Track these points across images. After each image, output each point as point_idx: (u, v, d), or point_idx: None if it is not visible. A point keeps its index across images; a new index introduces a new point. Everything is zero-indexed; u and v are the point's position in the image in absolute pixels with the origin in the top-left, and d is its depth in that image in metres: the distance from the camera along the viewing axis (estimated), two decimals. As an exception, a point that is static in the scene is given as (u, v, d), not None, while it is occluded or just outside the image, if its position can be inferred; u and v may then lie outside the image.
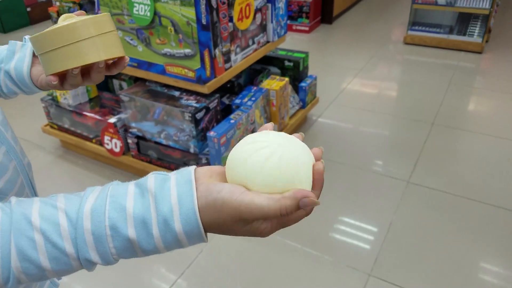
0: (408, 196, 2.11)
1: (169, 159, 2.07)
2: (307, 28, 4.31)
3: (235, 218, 0.41)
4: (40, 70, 0.66)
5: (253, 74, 2.39)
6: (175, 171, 0.45)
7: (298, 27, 4.35)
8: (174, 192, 0.42)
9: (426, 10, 3.93)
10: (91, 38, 0.57)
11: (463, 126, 2.69)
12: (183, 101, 1.88)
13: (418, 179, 2.21)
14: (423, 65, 3.63)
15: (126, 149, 2.17)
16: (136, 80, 2.19)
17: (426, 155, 2.41)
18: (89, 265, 0.44)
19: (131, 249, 0.43)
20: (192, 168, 0.44)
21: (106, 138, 2.18)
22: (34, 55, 0.68)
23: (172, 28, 1.70)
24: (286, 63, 2.43)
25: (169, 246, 0.43)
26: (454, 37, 3.80)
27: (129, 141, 2.11)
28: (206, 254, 1.81)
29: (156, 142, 2.03)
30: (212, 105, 1.87)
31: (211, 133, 1.76)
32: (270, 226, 0.43)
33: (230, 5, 1.80)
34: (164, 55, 1.81)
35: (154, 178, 0.44)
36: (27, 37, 0.68)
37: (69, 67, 0.58)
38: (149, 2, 1.70)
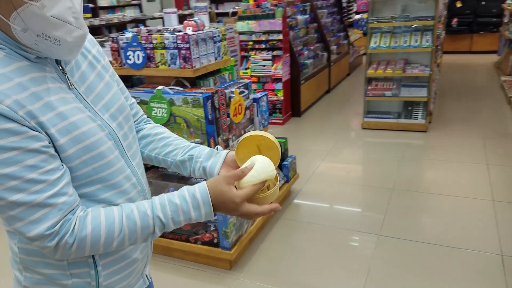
0: (380, 245, 2.54)
1: (179, 232, 2.45)
2: (281, 121, 5.04)
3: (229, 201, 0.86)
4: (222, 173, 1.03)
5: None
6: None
7: (274, 121, 5.07)
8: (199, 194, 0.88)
9: (376, 101, 4.76)
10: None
11: (417, 189, 3.25)
12: (193, 180, 2.34)
13: (387, 232, 2.67)
14: (380, 144, 4.32)
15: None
16: (151, 167, 2.65)
17: (390, 212, 2.90)
18: (158, 221, 0.84)
19: (177, 211, 0.86)
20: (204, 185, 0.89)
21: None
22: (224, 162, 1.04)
23: (185, 124, 2.23)
24: (270, 147, 2.98)
25: (196, 212, 0.86)
26: (402, 120, 4.58)
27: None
28: None
29: (169, 216, 2.43)
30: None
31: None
32: (242, 207, 0.87)
33: (228, 105, 2.38)
34: (177, 144, 2.32)
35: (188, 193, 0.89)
36: (220, 147, 1.09)
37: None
38: (166, 106, 2.25)
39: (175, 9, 3.49)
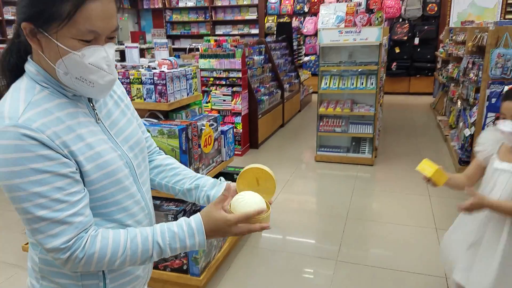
0: (338, 270, 2.78)
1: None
2: (240, 152, 5.28)
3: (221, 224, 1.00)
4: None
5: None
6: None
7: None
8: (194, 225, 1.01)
9: (327, 136, 5.16)
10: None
11: (368, 218, 3.57)
12: (165, 207, 2.47)
13: (344, 258, 2.92)
14: (332, 176, 4.66)
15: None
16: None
17: (346, 239, 3.18)
18: (157, 246, 0.96)
19: (174, 238, 0.97)
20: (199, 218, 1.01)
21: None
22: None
23: (161, 153, 2.39)
24: (235, 176, 3.19)
25: (191, 242, 0.99)
26: (351, 154, 4.99)
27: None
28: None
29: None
30: (188, 208, 2.49)
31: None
32: (234, 229, 1.00)
33: (199, 136, 2.58)
34: (151, 173, 2.46)
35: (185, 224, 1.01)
36: (223, 179, 1.23)
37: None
38: (143, 136, 2.40)
39: (136, 44, 3.68)
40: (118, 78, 2.51)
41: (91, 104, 1.04)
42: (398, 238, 3.21)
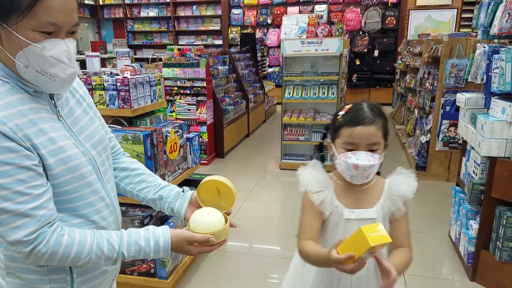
0: (303, 272, 2.81)
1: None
2: (206, 161, 5.25)
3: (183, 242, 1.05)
4: (189, 214, 1.18)
5: (174, 195, 3.04)
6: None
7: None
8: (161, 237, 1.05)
9: (291, 145, 5.24)
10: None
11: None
12: (131, 213, 2.41)
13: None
14: (296, 183, 4.70)
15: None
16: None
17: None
18: (121, 255, 1.00)
19: (139, 251, 1.02)
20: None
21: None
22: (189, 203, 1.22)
23: (125, 160, 2.34)
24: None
25: (156, 251, 1.04)
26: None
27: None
28: None
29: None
30: (154, 213, 2.45)
31: (158, 234, 2.29)
32: (195, 249, 1.07)
33: (164, 143, 2.55)
34: (114, 180, 2.40)
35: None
36: (186, 188, 1.26)
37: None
38: (106, 143, 2.34)
39: (97, 53, 3.63)
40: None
41: (53, 101, 1.04)
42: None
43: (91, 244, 0.97)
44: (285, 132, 5.17)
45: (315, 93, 5.09)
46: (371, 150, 1.24)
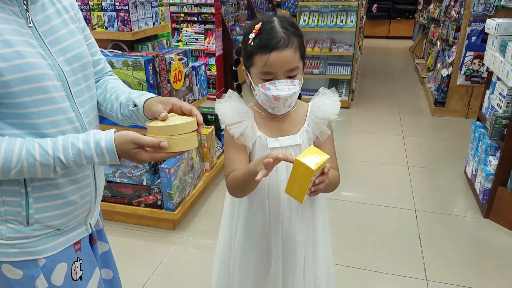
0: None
1: (121, 196, 2.44)
2: (214, 96, 5.08)
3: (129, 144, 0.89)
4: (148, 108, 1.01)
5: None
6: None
7: (208, 96, 5.08)
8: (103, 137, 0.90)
9: (305, 78, 5.00)
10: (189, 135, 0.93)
11: (343, 157, 3.55)
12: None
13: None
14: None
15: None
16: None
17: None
18: (59, 162, 0.87)
19: (79, 155, 0.88)
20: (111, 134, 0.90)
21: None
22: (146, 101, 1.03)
23: (126, 87, 2.21)
24: (209, 117, 3.06)
25: (99, 153, 0.89)
26: (328, 96, 4.88)
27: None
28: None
29: (108, 181, 2.40)
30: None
31: (163, 165, 2.23)
32: (146, 155, 0.90)
33: (168, 71, 2.39)
34: (116, 109, 2.29)
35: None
36: (136, 102, 1.04)
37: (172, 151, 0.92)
38: (105, 69, 2.20)
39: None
40: (80, 6, 2.28)
41: (25, 3, 0.91)
42: (372, 175, 3.22)
43: (19, 149, 0.86)
44: (298, 64, 4.93)
45: (333, 20, 4.75)
46: (290, 77, 1.11)
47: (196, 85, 2.80)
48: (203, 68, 2.89)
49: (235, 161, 1.19)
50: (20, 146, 0.86)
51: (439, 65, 4.94)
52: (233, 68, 1.26)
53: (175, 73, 2.48)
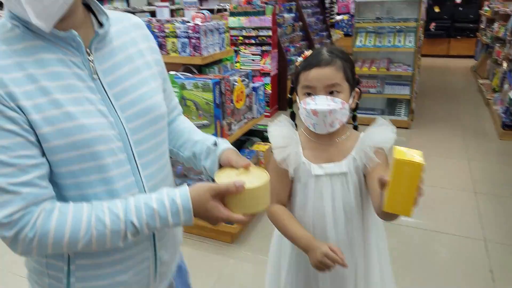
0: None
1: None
2: (268, 114, 5.19)
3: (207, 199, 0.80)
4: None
5: (236, 143, 3.04)
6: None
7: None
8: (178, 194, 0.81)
9: (362, 97, 4.95)
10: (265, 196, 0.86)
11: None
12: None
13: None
14: (366, 138, 4.51)
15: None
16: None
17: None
18: (131, 226, 0.77)
19: (153, 216, 0.78)
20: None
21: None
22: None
23: (194, 107, 2.35)
24: (265, 134, 3.14)
25: (174, 215, 0.79)
26: (386, 117, 4.74)
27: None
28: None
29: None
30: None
31: (226, 181, 2.32)
32: (221, 211, 0.81)
33: (231, 91, 2.51)
34: (184, 128, 2.43)
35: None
36: (221, 140, 0.99)
37: (247, 212, 0.84)
38: (178, 90, 2.35)
39: (167, 4, 3.61)
40: (154, 32, 2.48)
41: (88, 51, 0.81)
42: (435, 200, 3.10)
43: (88, 217, 0.75)
44: (354, 84, 4.91)
45: (390, 41, 4.71)
46: (331, 94, 1.12)
47: (255, 104, 2.90)
48: (262, 88, 2.99)
49: (278, 190, 1.20)
50: (89, 214, 0.76)
51: (506, 86, 4.70)
52: (289, 95, 1.29)
53: (238, 93, 2.60)
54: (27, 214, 0.72)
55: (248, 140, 3.09)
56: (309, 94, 1.13)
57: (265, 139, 3.21)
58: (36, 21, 0.71)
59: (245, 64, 5.28)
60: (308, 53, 1.19)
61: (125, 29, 0.91)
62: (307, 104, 1.12)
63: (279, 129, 1.23)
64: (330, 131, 1.16)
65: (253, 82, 2.81)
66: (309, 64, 1.14)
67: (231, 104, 2.52)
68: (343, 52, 1.18)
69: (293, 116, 1.31)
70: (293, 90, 1.25)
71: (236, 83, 2.56)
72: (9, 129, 0.71)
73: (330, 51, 1.15)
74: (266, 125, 3.41)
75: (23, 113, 0.72)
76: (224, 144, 0.99)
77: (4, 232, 0.72)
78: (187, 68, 2.55)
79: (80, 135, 0.75)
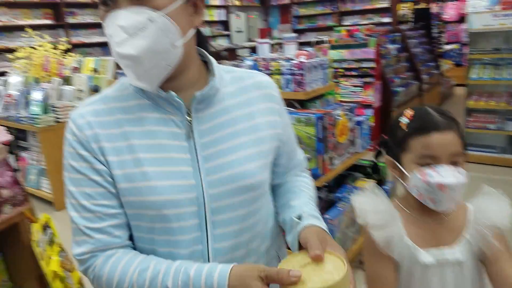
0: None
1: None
2: (371, 147, 4.99)
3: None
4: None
5: (338, 178, 2.96)
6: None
7: (362, 147, 5.05)
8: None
9: (476, 134, 4.45)
10: None
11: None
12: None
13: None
14: (484, 180, 4.04)
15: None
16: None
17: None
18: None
19: (187, 284, 0.73)
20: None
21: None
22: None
23: (297, 141, 2.37)
24: (368, 169, 3.02)
25: None
26: (508, 156, 4.27)
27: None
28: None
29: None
30: (321, 195, 2.43)
31: (327, 216, 2.28)
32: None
33: (334, 125, 2.48)
34: (285, 161, 2.46)
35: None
36: (301, 214, 0.85)
37: None
38: (279, 124, 2.41)
39: (268, 40, 3.73)
40: (260, 70, 2.61)
41: (188, 111, 0.82)
42: None
43: (133, 270, 0.78)
44: (470, 119, 4.49)
45: (511, 73, 4.25)
46: (454, 164, 0.95)
47: (359, 138, 2.81)
48: (367, 122, 2.90)
49: (383, 281, 0.97)
50: (135, 268, 0.78)
51: None
52: (374, 161, 1.17)
53: (340, 128, 2.55)
54: (93, 257, 0.80)
55: (350, 175, 2.99)
56: (427, 164, 0.95)
57: (367, 175, 3.08)
58: (137, 83, 0.77)
59: (345, 96, 5.21)
60: (411, 112, 1.02)
61: (243, 89, 0.90)
62: (429, 177, 0.93)
63: (372, 202, 1.03)
64: (452, 208, 0.98)
65: (354, 115, 2.76)
66: (424, 127, 0.96)
67: (333, 138, 2.48)
68: (451, 114, 1.02)
69: (381, 182, 1.17)
70: (380, 153, 1.11)
71: (339, 117, 2.53)
72: (95, 179, 0.80)
73: (440, 112, 1.00)
74: (370, 161, 3.30)
75: (109, 167, 0.80)
76: (309, 219, 0.84)
77: (79, 266, 0.82)
78: (289, 103, 2.61)
79: (150, 196, 0.79)
